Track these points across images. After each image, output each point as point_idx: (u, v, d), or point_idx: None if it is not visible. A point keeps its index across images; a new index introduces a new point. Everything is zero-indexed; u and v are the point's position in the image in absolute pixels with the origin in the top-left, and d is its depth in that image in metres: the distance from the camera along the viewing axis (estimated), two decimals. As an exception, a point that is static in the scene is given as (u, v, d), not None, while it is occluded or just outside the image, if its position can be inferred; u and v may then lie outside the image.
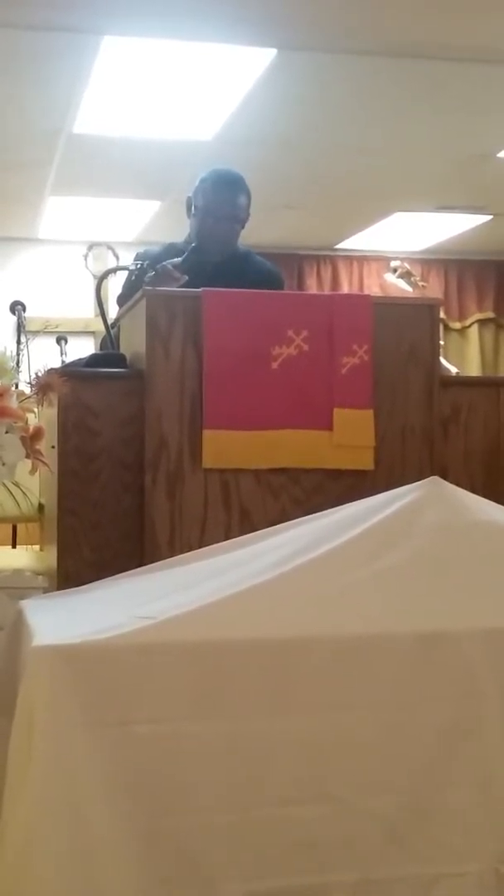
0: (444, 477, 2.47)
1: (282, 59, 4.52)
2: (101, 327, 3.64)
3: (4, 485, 2.44)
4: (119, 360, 3.13)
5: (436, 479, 2.36)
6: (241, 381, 2.94)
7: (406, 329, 3.11)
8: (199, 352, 2.94)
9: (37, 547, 3.85)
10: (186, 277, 3.30)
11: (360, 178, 6.45)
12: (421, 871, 1.94)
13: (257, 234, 7.45)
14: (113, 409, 2.98)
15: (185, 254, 3.38)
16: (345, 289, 8.55)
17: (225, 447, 2.93)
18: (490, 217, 7.46)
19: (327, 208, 7.26)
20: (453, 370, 4.73)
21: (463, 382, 3.85)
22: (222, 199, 3.58)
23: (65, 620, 2.13)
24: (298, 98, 5.06)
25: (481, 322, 8.96)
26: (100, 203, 7.05)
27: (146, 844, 1.84)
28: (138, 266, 3.39)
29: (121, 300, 3.63)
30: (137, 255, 3.78)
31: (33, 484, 3.51)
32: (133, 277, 3.40)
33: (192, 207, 3.63)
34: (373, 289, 8.41)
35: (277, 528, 2.43)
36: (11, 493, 2.55)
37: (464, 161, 6.10)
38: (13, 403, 2.36)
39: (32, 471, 2.46)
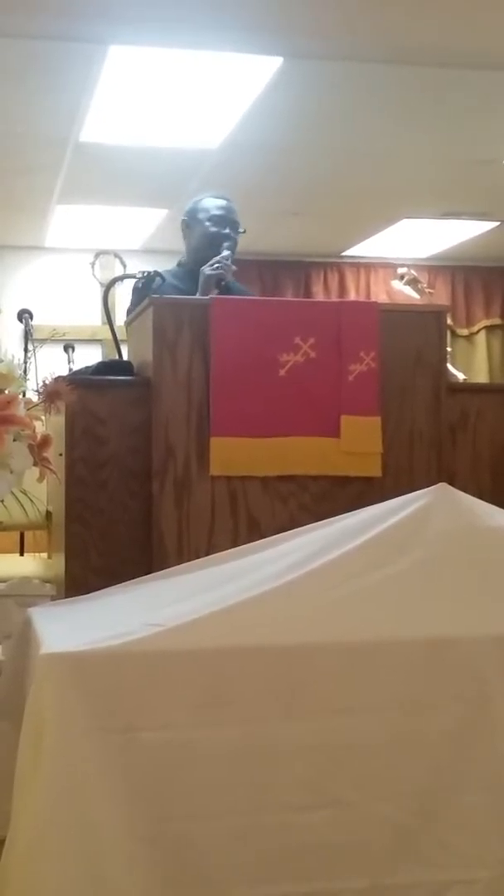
0: (452, 483, 2.47)
1: (288, 68, 4.52)
2: (108, 335, 3.64)
3: (12, 492, 2.44)
4: (126, 368, 3.14)
5: (443, 485, 2.36)
6: (248, 388, 2.95)
7: (413, 336, 3.12)
8: (207, 359, 2.95)
9: (44, 555, 3.85)
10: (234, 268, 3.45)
11: (366, 185, 6.45)
12: (431, 878, 1.94)
13: (264, 241, 7.49)
14: (120, 416, 2.98)
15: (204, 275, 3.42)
16: (352, 296, 8.54)
17: (232, 454, 2.93)
18: (496, 223, 7.46)
19: (334, 215, 7.25)
20: (461, 377, 4.70)
21: (470, 389, 3.84)
22: (224, 207, 3.71)
23: (72, 628, 2.13)
24: (304, 106, 5.07)
25: (489, 328, 8.94)
26: (107, 211, 7.05)
27: (153, 849, 1.84)
28: (145, 274, 3.40)
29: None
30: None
31: (41, 492, 3.51)
32: (140, 285, 3.41)
33: (191, 224, 3.67)
34: (380, 296, 8.40)
35: (285, 535, 2.44)
36: (19, 500, 2.54)
37: (470, 167, 6.10)
38: (21, 411, 2.36)
39: (40, 479, 2.46)
